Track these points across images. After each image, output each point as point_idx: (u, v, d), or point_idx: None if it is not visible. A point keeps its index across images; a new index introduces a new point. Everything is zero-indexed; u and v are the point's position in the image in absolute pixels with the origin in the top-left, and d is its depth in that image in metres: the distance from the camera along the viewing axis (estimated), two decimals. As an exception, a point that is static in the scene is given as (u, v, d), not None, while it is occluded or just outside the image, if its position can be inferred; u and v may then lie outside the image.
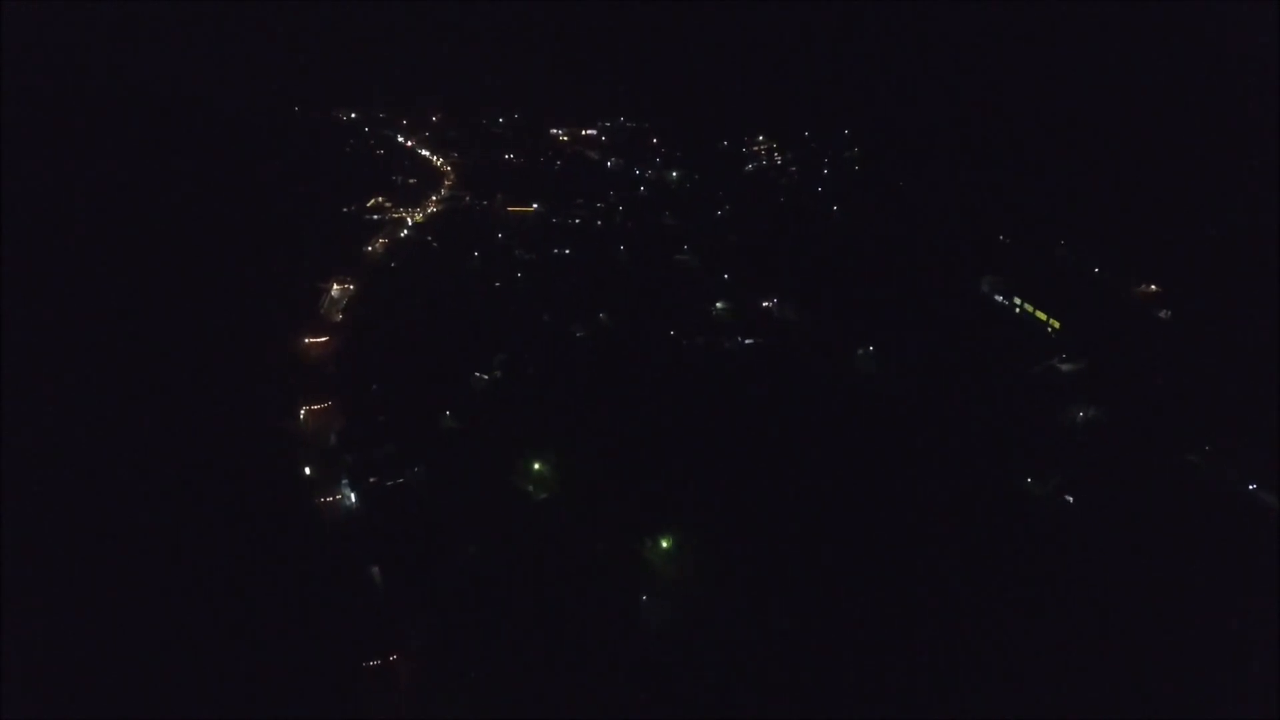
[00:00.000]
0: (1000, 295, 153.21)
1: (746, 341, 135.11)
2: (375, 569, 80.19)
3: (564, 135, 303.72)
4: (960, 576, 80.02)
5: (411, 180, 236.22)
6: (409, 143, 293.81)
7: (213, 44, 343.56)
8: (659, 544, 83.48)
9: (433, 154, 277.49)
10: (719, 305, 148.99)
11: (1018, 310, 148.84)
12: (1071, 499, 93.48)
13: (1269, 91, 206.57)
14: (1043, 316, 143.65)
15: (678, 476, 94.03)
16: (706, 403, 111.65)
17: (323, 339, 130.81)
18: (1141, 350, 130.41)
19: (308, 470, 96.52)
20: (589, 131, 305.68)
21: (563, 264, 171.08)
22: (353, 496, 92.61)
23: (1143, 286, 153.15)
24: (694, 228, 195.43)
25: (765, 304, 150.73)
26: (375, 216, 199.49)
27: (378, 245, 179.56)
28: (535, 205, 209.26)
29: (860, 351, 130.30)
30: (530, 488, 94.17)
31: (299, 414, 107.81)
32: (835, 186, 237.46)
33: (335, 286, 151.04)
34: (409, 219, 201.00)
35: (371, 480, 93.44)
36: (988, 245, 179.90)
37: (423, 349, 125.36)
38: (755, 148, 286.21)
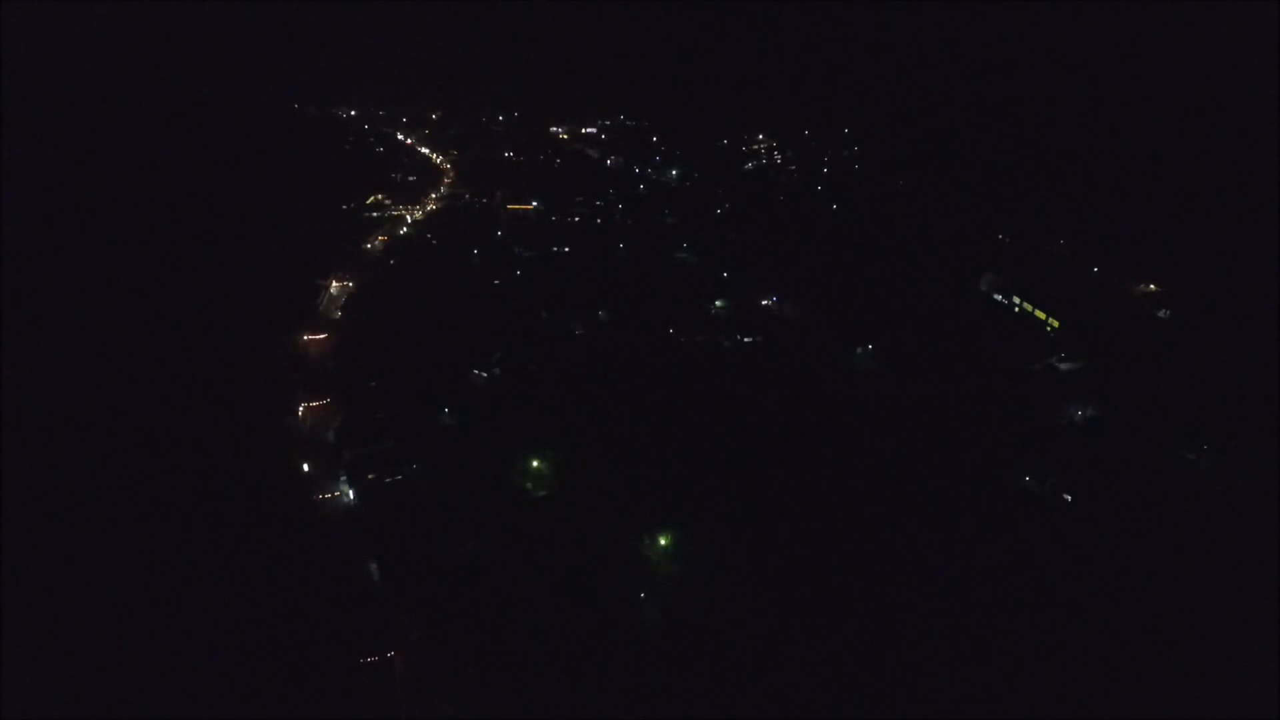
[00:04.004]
0: (1000, 294, 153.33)
1: (745, 339, 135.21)
2: (373, 565, 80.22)
3: (564, 133, 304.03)
4: (958, 574, 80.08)
5: (411, 178, 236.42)
6: (409, 140, 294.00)
7: (213, 42, 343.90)
8: (657, 541, 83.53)
9: (432, 152, 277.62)
10: (718, 303, 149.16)
11: (1017, 309, 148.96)
12: (1069, 497, 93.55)
13: (1269, 91, 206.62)
14: (1042, 315, 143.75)
15: (676, 474, 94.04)
16: (705, 401, 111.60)
17: (322, 336, 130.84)
18: (1140, 350, 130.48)
19: (306, 467, 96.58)
20: (589, 130, 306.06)
21: (562, 262, 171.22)
22: (351, 493, 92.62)
23: (1142, 286, 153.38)
24: (693, 226, 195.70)
25: (764, 302, 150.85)
26: (375, 214, 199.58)
27: (377, 243, 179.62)
28: (535, 203, 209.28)
29: (859, 349, 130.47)
30: (528, 485, 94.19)
31: (298, 411, 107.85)
32: (835, 186, 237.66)
33: (334, 284, 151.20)
34: (408, 216, 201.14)
35: (370, 477, 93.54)
36: (988, 244, 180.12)
37: (421, 346, 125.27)
38: (755, 146, 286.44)
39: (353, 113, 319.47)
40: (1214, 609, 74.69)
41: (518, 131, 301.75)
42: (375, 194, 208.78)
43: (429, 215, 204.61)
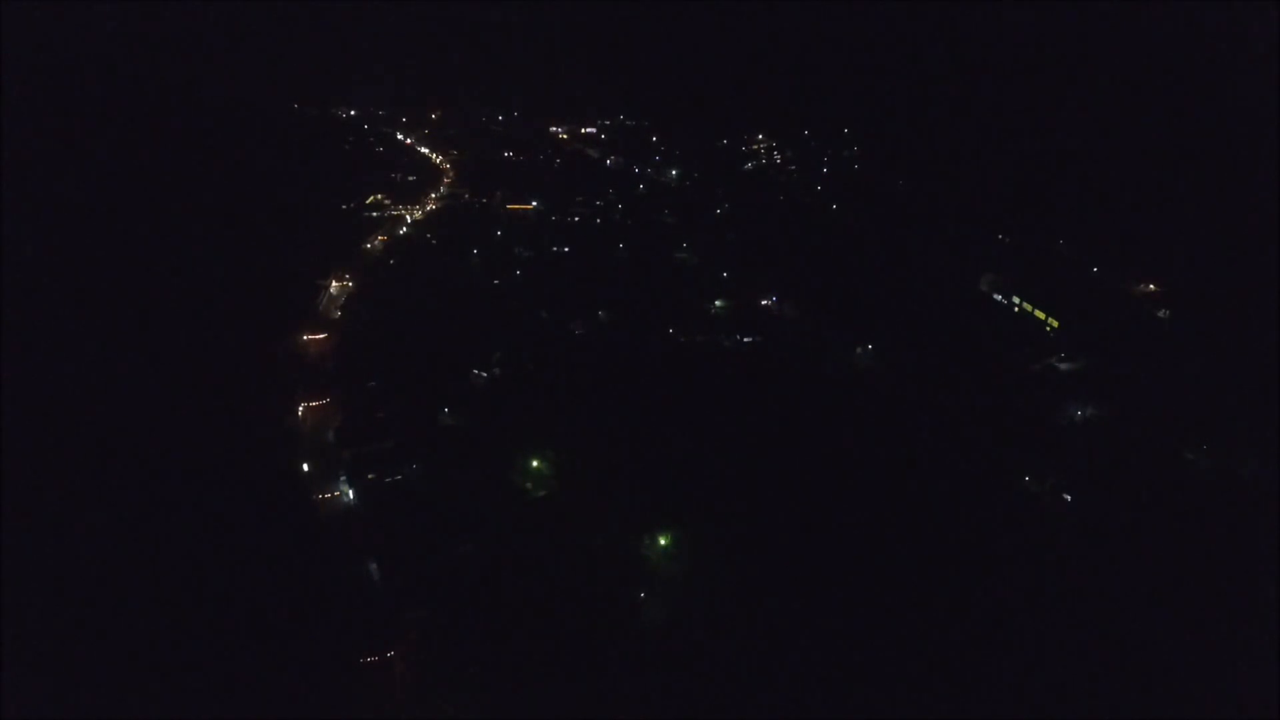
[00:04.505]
0: (999, 294, 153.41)
1: (745, 340, 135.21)
2: (373, 565, 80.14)
3: (564, 133, 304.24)
4: (958, 575, 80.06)
5: (411, 177, 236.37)
6: (409, 140, 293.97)
7: (213, 41, 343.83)
8: (657, 541, 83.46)
9: (432, 152, 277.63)
10: (718, 303, 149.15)
11: (1017, 309, 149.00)
12: (1069, 497, 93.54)
13: (1269, 91, 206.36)
14: (1041, 315, 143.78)
15: (676, 474, 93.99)
16: (705, 401, 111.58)
17: (321, 335, 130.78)
18: (1140, 349, 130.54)
19: (306, 466, 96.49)
20: (589, 129, 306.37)
21: (562, 262, 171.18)
22: (351, 493, 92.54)
23: (1142, 286, 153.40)
24: (693, 226, 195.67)
25: (764, 302, 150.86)
26: (374, 214, 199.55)
27: (376, 242, 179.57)
28: (534, 203, 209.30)
29: (859, 350, 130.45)
30: (528, 485, 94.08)
31: (298, 410, 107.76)
32: (835, 186, 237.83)
33: (334, 283, 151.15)
34: (408, 216, 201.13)
35: (370, 477, 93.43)
36: (988, 244, 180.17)
37: (421, 346, 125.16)
38: (755, 146, 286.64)
39: (353, 113, 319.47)
40: (1214, 609, 74.67)
41: (518, 131, 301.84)
42: (375, 194, 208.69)
43: (429, 215, 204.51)
